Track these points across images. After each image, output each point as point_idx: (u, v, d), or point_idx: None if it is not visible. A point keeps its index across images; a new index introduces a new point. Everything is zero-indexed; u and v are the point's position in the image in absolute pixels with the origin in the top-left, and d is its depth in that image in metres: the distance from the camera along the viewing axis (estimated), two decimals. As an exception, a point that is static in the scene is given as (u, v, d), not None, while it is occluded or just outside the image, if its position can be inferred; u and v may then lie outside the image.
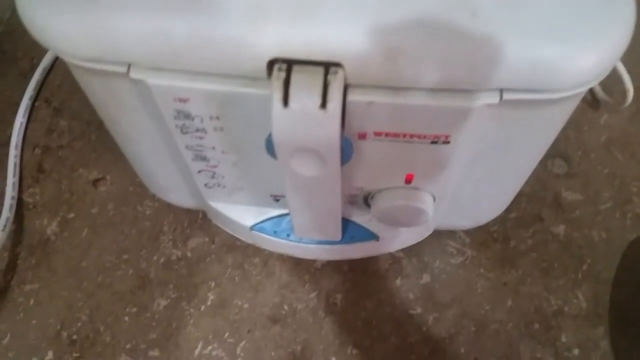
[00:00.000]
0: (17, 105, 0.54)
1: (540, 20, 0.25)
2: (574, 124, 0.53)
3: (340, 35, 0.26)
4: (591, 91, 0.54)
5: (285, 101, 0.26)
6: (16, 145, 0.52)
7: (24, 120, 0.54)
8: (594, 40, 0.26)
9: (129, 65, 0.28)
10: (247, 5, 0.26)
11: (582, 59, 0.26)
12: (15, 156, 0.51)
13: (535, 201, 0.49)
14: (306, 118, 0.26)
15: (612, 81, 0.48)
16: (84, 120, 0.54)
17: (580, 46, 0.26)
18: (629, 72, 0.48)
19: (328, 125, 0.27)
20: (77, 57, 0.28)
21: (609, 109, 0.53)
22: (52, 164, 0.51)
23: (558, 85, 0.26)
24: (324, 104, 0.26)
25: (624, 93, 0.49)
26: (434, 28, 0.25)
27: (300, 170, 0.29)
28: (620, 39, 0.26)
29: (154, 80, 0.28)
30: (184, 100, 0.29)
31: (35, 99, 0.56)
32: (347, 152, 0.30)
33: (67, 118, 0.54)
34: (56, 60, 0.56)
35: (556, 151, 0.51)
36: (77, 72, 0.31)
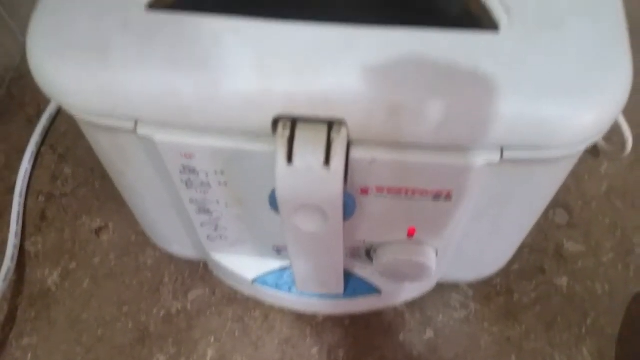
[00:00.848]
0: (23, 151, 0.55)
1: (539, 78, 0.26)
2: (574, 173, 0.53)
3: (344, 93, 0.26)
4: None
5: (290, 158, 0.26)
6: (21, 193, 0.52)
7: (29, 167, 0.54)
8: (593, 98, 0.26)
9: (136, 122, 0.28)
10: (253, 63, 0.26)
11: (582, 117, 0.26)
12: (19, 204, 0.51)
13: (537, 252, 0.48)
14: (310, 175, 0.27)
15: (611, 129, 0.49)
16: (88, 167, 0.54)
17: (579, 104, 0.26)
18: (628, 119, 0.48)
19: (331, 183, 0.27)
20: (85, 112, 0.29)
21: (609, 157, 0.53)
22: (56, 212, 0.51)
23: (558, 143, 0.27)
24: (327, 162, 0.26)
25: (623, 142, 0.50)
26: (436, 86, 0.26)
27: (303, 226, 0.29)
28: (619, 95, 0.27)
29: (160, 136, 0.28)
30: (189, 156, 0.29)
31: (41, 145, 0.56)
32: (349, 207, 0.30)
33: (72, 165, 0.55)
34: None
35: (557, 201, 0.51)
36: (84, 126, 0.32)
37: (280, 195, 0.28)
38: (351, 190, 0.30)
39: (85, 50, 0.27)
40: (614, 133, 0.49)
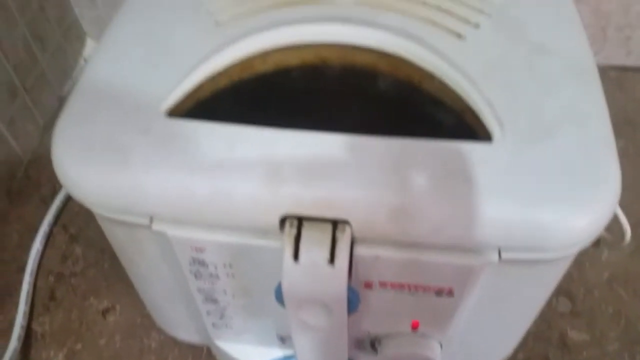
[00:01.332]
0: (36, 231, 0.56)
1: (533, 186, 0.27)
2: (575, 261, 0.53)
3: (348, 195, 0.28)
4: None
5: (296, 256, 0.28)
6: (31, 272, 0.53)
7: (41, 247, 0.56)
8: (585, 203, 0.28)
9: (152, 218, 0.30)
10: (265, 167, 0.28)
11: (575, 222, 0.28)
12: (29, 283, 0.52)
13: (541, 341, 0.48)
14: (315, 272, 0.28)
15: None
16: (99, 248, 0.55)
17: (572, 210, 0.27)
18: (626, 208, 0.49)
19: (335, 280, 0.28)
20: (104, 209, 0.30)
21: (609, 245, 0.54)
22: (64, 292, 0.52)
23: (554, 246, 0.28)
24: (332, 260, 0.28)
25: (622, 231, 0.51)
26: (434, 190, 0.28)
27: (308, 320, 0.30)
28: (609, 200, 0.28)
29: (174, 232, 0.30)
30: (200, 250, 0.31)
31: (53, 224, 0.58)
32: (353, 302, 0.31)
33: (83, 245, 0.56)
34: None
35: (559, 289, 0.51)
36: (101, 220, 0.33)
37: (286, 290, 0.29)
38: (355, 285, 0.31)
39: (107, 153, 0.29)
40: (612, 221, 0.50)
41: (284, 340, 0.39)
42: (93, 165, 0.29)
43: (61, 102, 0.66)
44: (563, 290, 0.51)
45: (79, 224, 0.58)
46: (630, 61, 0.68)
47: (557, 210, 0.27)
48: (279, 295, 0.30)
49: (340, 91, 0.34)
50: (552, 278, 0.33)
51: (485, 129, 0.29)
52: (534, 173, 0.28)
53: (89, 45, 0.74)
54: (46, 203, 0.59)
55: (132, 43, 0.35)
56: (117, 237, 0.34)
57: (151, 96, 0.31)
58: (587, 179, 0.28)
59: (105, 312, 0.51)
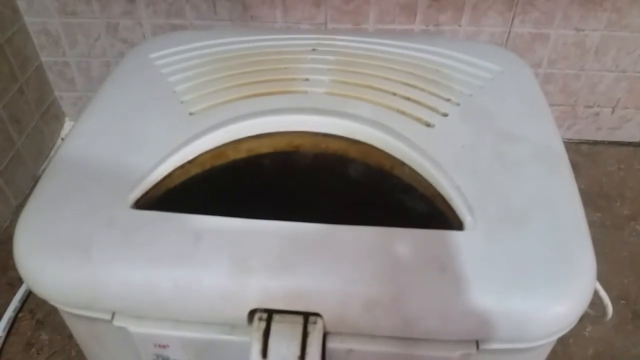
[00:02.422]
0: (0, 317, 0.54)
1: (506, 274, 0.27)
2: (559, 338, 0.52)
3: (320, 288, 0.27)
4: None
5: (264, 354, 0.26)
6: (-10, 364, 0.50)
7: (3, 335, 0.53)
8: (561, 290, 0.27)
9: (114, 314, 0.29)
10: (232, 259, 0.27)
11: (552, 310, 0.27)
12: (-13, 376, 0.49)
13: None
14: (285, 372, 0.26)
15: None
16: (66, 334, 0.53)
17: (548, 299, 0.27)
18: (606, 282, 0.49)
19: (307, 379, 0.27)
20: (65, 304, 0.29)
21: (592, 320, 0.53)
22: (25, 385, 0.49)
23: (532, 335, 0.27)
24: (302, 356, 0.26)
25: (603, 307, 0.50)
26: (408, 283, 0.27)
27: None
28: (585, 285, 0.28)
29: (135, 328, 0.28)
30: (163, 346, 0.29)
31: (19, 309, 0.55)
32: (327, 400, 0.29)
33: (49, 331, 0.53)
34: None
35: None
36: (63, 313, 0.32)
37: (254, 390, 0.27)
38: (329, 381, 0.29)
39: (68, 247, 0.28)
40: (593, 296, 0.50)
41: None
42: (54, 258, 0.28)
43: (36, 182, 0.65)
44: (549, 370, 0.50)
45: (47, 309, 0.55)
46: (600, 136, 0.70)
47: (535, 299, 0.27)
48: (248, 395, 0.28)
49: (312, 178, 0.34)
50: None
51: (457, 217, 0.29)
52: (508, 261, 0.27)
53: (67, 125, 0.74)
54: (14, 287, 0.57)
55: (106, 130, 0.34)
56: (78, 331, 0.33)
57: (121, 185, 0.31)
58: (562, 265, 0.28)
59: (68, 407, 0.47)
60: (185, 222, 0.29)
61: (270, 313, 0.27)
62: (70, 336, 0.53)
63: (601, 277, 0.49)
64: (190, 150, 0.33)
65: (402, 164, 0.32)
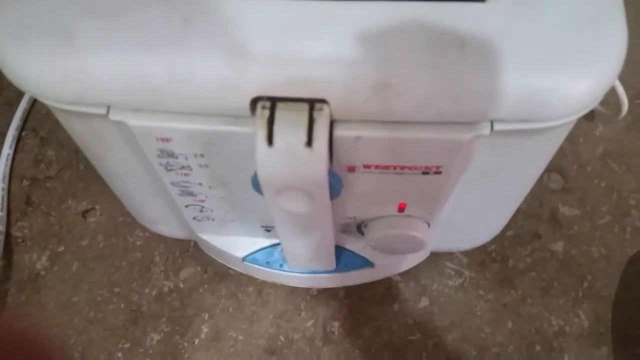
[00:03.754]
0: (4, 136, 0.53)
1: (529, 49, 0.24)
2: (568, 137, 0.52)
3: (324, 72, 0.25)
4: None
5: (270, 140, 0.25)
6: (3, 178, 0.51)
7: (11, 152, 0.53)
8: (587, 66, 0.25)
9: (109, 107, 0.27)
10: (228, 43, 0.25)
11: (575, 87, 0.25)
12: (3, 189, 0.50)
13: (532, 218, 0.48)
14: (292, 157, 0.26)
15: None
16: (72, 150, 0.53)
17: (571, 74, 0.25)
18: (623, 82, 0.47)
19: (315, 164, 0.26)
20: (54, 100, 0.27)
21: (604, 119, 0.52)
22: (41, 195, 0.50)
23: (550, 114, 0.26)
24: (309, 142, 0.25)
25: (618, 104, 0.48)
26: (421, 61, 0.25)
27: (289, 207, 0.28)
28: (613, 62, 0.25)
29: (134, 121, 0.27)
30: (166, 140, 0.28)
31: (22, 128, 0.55)
32: (336, 187, 0.29)
33: (55, 147, 0.53)
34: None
35: (551, 165, 0.50)
36: (57, 113, 0.30)
37: (262, 178, 0.27)
38: (337, 169, 0.29)
39: (50, 36, 0.25)
40: (608, 95, 0.48)
41: (269, 230, 0.38)
42: (36, 50, 0.26)
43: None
44: (555, 166, 0.50)
45: (49, 127, 0.55)
46: None
47: (556, 74, 0.24)
48: (256, 184, 0.28)
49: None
50: (546, 150, 0.31)
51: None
52: (530, 35, 0.25)
53: None
54: (12, 106, 0.55)
55: None
56: (77, 132, 0.32)
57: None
58: (589, 41, 0.25)
59: (85, 214, 0.49)
60: (174, 4, 0.25)
61: (274, 101, 0.25)
62: (77, 151, 0.52)
63: (619, 75, 0.47)
64: None
65: None
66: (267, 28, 0.25)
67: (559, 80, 0.25)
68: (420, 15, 0.25)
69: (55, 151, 0.53)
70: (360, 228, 0.36)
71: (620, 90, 0.48)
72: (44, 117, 0.55)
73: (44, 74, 0.26)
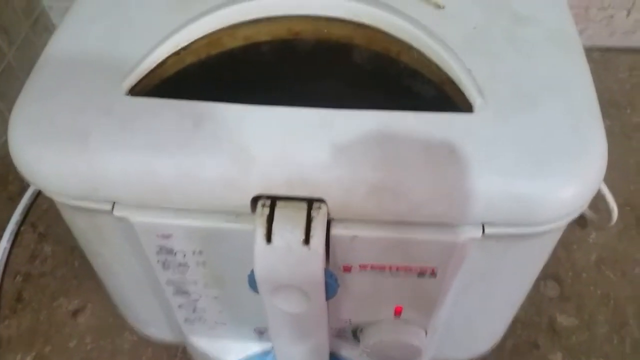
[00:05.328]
0: (3, 230, 0.54)
1: (515, 156, 0.26)
2: (562, 243, 0.52)
3: (322, 173, 0.26)
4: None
5: (269, 237, 0.26)
6: (-3, 273, 0.50)
7: (8, 246, 0.53)
8: (570, 173, 0.26)
9: (114, 204, 0.28)
10: (234, 144, 0.26)
11: (560, 192, 0.26)
12: (-5, 285, 0.49)
13: (530, 327, 0.47)
14: (289, 254, 0.26)
15: (596, 198, 0.49)
16: (69, 246, 0.53)
17: (557, 180, 0.26)
18: (613, 189, 0.49)
19: (311, 262, 0.26)
20: (63, 195, 0.28)
21: (596, 226, 0.53)
22: (33, 292, 0.50)
23: (538, 219, 0.27)
24: (307, 240, 0.26)
25: (609, 211, 0.50)
26: (414, 165, 0.26)
27: (284, 307, 0.28)
28: (596, 167, 0.27)
29: (137, 217, 0.28)
30: (167, 237, 0.29)
31: (21, 223, 0.55)
32: (332, 286, 0.29)
33: (52, 243, 0.53)
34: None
35: (547, 272, 0.50)
36: (62, 207, 0.31)
37: (259, 275, 0.27)
38: (333, 269, 0.29)
39: (65, 135, 0.27)
40: (599, 201, 0.49)
41: (261, 333, 0.37)
42: (51, 147, 0.27)
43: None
44: (551, 273, 0.50)
45: (48, 222, 0.55)
46: (613, 41, 0.67)
47: (542, 182, 0.26)
48: (253, 282, 0.28)
49: (314, 66, 0.32)
50: (539, 254, 0.32)
51: (466, 100, 0.28)
52: (517, 144, 0.26)
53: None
54: (14, 201, 0.56)
55: (95, 19, 0.32)
56: (79, 227, 0.32)
57: (113, 74, 0.29)
58: (572, 148, 0.27)
59: (75, 313, 0.48)
60: (184, 108, 0.27)
61: (274, 200, 0.26)
62: (73, 247, 0.53)
63: (608, 183, 0.49)
64: (184, 36, 0.31)
65: (410, 47, 0.30)
66: (270, 131, 0.27)
67: (543, 186, 0.26)
68: (413, 123, 0.27)
69: (52, 247, 0.53)
70: (356, 333, 0.35)
71: (609, 197, 0.49)
72: (44, 212, 0.56)
73: (56, 172, 0.27)
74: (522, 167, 0.26)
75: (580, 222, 0.54)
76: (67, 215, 0.32)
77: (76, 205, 0.29)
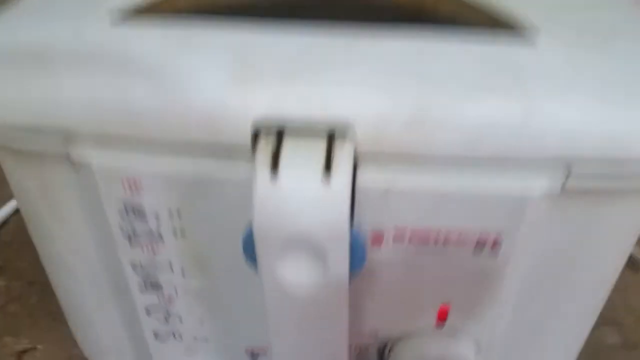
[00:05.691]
0: (-46, 264, 0.45)
1: (597, 84, 0.20)
2: (615, 287, 0.44)
3: (351, 94, 0.20)
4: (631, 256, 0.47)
5: (274, 171, 0.19)
6: None
7: (-44, 281, 0.44)
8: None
9: (70, 137, 0.21)
10: (230, 62, 0.20)
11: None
12: None
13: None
14: (302, 197, 0.19)
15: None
16: (27, 281, 0.44)
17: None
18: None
19: (334, 206, 0.19)
20: (11, 127, 0.21)
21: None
22: (-26, 331, 0.40)
23: (634, 159, 0.20)
24: (327, 176, 0.19)
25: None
26: (472, 83, 0.20)
27: (292, 278, 0.20)
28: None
29: (100, 159, 0.21)
30: (136, 187, 0.21)
31: (-22, 257, 0.47)
32: (358, 253, 0.21)
33: (8, 277, 0.45)
34: (10, 216, 0.50)
35: (603, 317, 0.41)
36: (6, 161, 0.24)
37: (259, 227, 0.19)
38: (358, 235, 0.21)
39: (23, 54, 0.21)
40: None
41: (255, 356, 0.28)
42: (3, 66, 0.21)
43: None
44: (608, 319, 0.41)
45: (9, 255, 0.47)
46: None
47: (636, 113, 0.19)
48: (249, 245, 0.20)
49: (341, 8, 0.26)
50: (628, 231, 0.24)
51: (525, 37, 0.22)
52: (594, 75, 0.20)
53: None
54: (-30, 233, 0.49)
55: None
56: (26, 189, 0.25)
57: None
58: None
59: (21, 354, 0.38)
60: (172, 34, 0.22)
61: (282, 128, 0.20)
62: (31, 282, 0.44)
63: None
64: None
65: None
66: (282, 49, 0.21)
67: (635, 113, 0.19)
68: (467, 47, 0.21)
69: (6, 281, 0.44)
70: (383, 355, 0.26)
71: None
72: (6, 245, 0.48)
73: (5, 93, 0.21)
74: (607, 95, 0.20)
75: (633, 266, 0.46)
76: (12, 172, 0.24)
77: (24, 149, 0.22)
